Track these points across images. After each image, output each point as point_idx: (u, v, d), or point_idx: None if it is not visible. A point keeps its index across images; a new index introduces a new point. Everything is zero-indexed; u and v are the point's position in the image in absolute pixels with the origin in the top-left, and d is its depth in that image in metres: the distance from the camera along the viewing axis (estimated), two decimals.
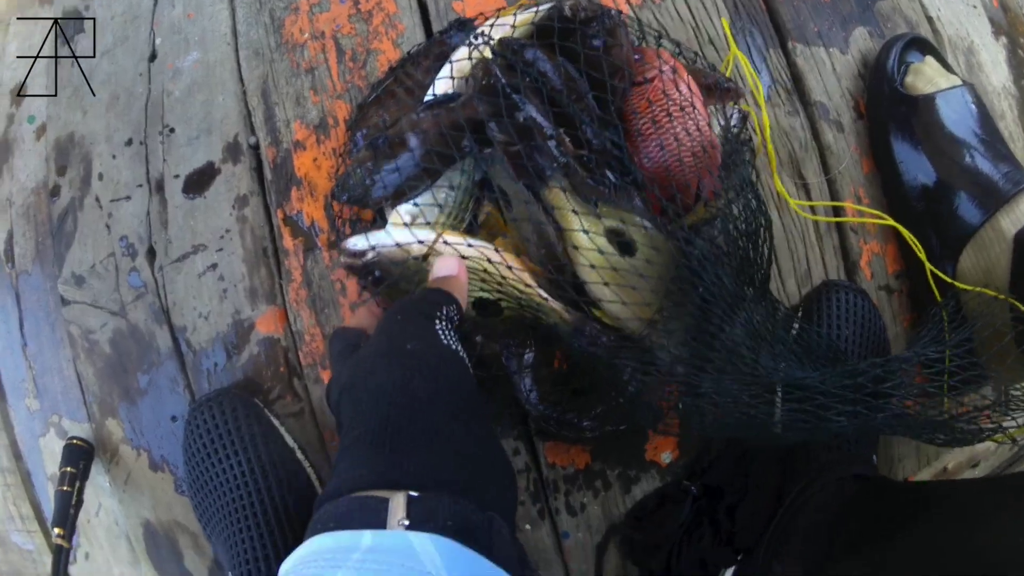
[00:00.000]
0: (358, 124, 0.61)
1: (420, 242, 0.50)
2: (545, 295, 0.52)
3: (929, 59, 0.68)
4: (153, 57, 0.71)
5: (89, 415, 0.66)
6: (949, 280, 0.63)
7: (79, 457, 0.62)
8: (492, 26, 0.56)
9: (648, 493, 0.64)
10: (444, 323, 0.43)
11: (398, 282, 0.51)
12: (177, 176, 0.67)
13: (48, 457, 0.67)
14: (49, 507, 0.67)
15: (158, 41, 0.71)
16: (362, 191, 0.53)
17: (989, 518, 0.48)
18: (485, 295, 0.54)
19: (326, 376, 0.64)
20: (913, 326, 0.69)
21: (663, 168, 0.53)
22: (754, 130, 0.66)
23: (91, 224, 0.67)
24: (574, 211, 0.51)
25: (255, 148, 0.68)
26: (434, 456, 0.36)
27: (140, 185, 0.67)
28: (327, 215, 0.65)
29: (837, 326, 0.63)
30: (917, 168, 0.66)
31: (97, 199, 0.68)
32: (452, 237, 0.51)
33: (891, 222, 0.67)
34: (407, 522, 0.32)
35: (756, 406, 0.51)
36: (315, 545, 0.32)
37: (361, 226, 0.58)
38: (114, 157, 0.68)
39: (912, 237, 0.65)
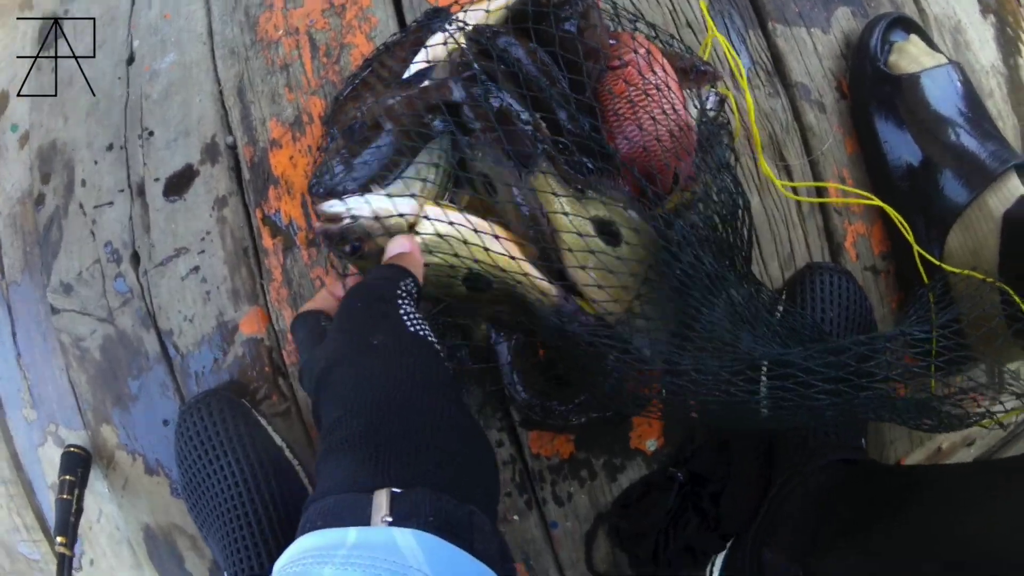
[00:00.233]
0: (334, 118, 0.61)
1: (401, 216, 0.50)
2: (528, 269, 0.52)
3: (914, 38, 0.66)
4: (131, 60, 0.71)
5: (84, 423, 0.67)
6: (937, 263, 0.62)
7: (77, 465, 0.63)
8: (467, 11, 0.55)
9: (634, 481, 0.65)
10: (406, 300, 0.43)
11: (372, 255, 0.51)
12: (157, 179, 0.67)
13: (47, 466, 0.68)
14: (52, 516, 0.68)
15: (136, 43, 0.71)
16: (339, 180, 0.53)
17: (980, 503, 0.48)
18: (474, 267, 0.53)
19: None
20: (901, 307, 0.68)
21: (642, 149, 0.53)
22: (732, 112, 0.65)
23: (76, 231, 0.68)
24: (554, 194, 0.51)
25: (232, 148, 0.68)
26: (416, 455, 0.37)
27: (122, 190, 0.68)
28: (304, 212, 0.65)
29: (822, 308, 0.62)
30: (902, 148, 0.64)
31: (81, 206, 0.68)
32: (435, 209, 0.50)
33: (878, 202, 0.66)
34: (390, 518, 0.33)
35: (736, 383, 0.51)
36: (303, 544, 0.33)
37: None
38: (96, 163, 0.69)
39: (899, 217, 0.64)
